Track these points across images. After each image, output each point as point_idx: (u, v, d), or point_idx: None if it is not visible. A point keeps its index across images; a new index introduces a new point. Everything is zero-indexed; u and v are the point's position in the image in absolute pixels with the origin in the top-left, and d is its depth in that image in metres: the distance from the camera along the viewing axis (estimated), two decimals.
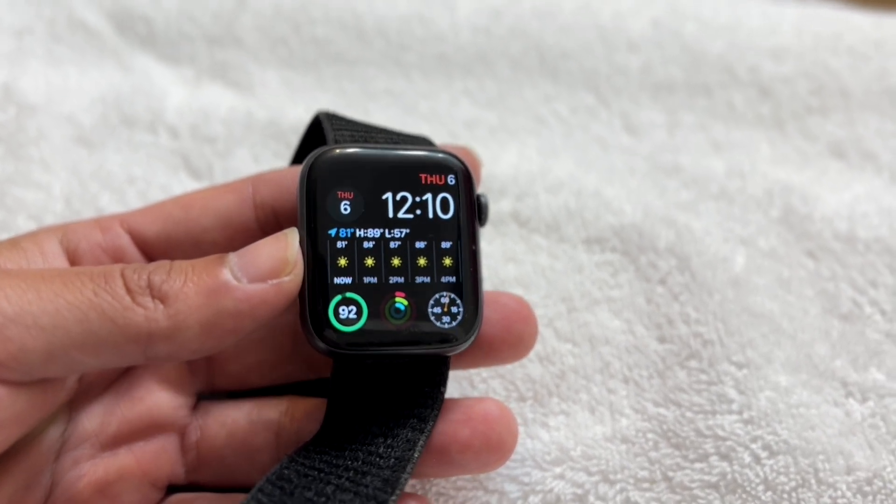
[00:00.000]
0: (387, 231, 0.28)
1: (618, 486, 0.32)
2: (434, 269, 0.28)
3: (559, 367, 0.36)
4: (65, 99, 0.44)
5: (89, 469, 0.29)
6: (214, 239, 0.30)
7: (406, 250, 0.28)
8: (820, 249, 0.39)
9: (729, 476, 0.32)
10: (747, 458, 0.32)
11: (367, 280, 0.27)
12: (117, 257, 0.30)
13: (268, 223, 0.30)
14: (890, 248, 0.39)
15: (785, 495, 0.32)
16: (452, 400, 0.29)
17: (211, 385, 0.32)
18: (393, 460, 0.27)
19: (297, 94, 0.45)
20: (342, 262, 0.27)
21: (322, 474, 0.26)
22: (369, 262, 0.27)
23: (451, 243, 0.28)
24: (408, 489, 0.28)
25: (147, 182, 0.41)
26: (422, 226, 0.28)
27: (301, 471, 0.27)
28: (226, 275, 0.25)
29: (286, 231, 0.27)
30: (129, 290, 0.24)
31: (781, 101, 0.45)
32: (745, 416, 0.33)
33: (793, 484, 0.32)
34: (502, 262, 0.39)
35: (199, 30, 0.47)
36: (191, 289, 0.24)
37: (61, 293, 0.23)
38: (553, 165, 0.42)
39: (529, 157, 0.43)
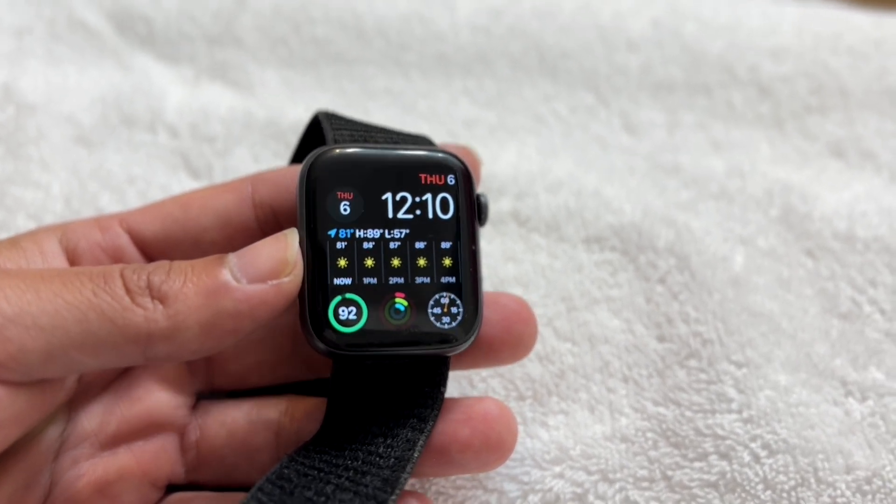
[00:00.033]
0: (386, 231, 0.28)
1: (617, 486, 0.32)
2: (434, 269, 0.28)
3: (558, 366, 0.36)
4: (64, 98, 0.44)
5: (88, 468, 0.29)
6: (213, 238, 0.30)
7: (406, 251, 0.28)
8: (819, 249, 0.39)
9: (728, 475, 0.32)
10: (747, 458, 0.32)
11: (366, 281, 0.27)
12: (116, 257, 0.30)
13: (267, 222, 0.30)
14: (889, 247, 0.39)
15: (784, 494, 0.32)
16: (452, 399, 0.29)
17: (210, 385, 0.32)
18: (393, 460, 0.27)
19: (296, 94, 0.45)
20: (342, 262, 0.27)
21: (322, 474, 0.27)
22: (369, 262, 0.27)
23: (450, 243, 0.28)
24: (407, 488, 0.28)
25: (147, 182, 0.41)
26: (421, 226, 0.28)
27: (301, 470, 0.27)
28: (225, 275, 0.25)
29: (286, 231, 0.27)
30: (128, 291, 0.24)
31: (781, 101, 0.45)
32: (745, 415, 0.33)
33: (792, 483, 0.32)
34: (502, 261, 0.39)
35: (199, 29, 0.47)
36: (190, 289, 0.24)
37: (60, 293, 0.23)
38: (552, 165, 0.42)
39: (529, 156, 0.43)
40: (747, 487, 0.32)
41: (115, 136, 0.43)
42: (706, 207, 0.41)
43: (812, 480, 0.32)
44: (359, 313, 0.27)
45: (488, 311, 0.30)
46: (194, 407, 0.31)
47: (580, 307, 0.37)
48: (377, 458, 0.27)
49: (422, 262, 0.28)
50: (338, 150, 0.28)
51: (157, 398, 0.30)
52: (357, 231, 0.27)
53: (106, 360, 0.24)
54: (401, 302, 0.27)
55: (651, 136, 0.44)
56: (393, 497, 0.25)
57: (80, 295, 0.23)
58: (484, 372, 0.35)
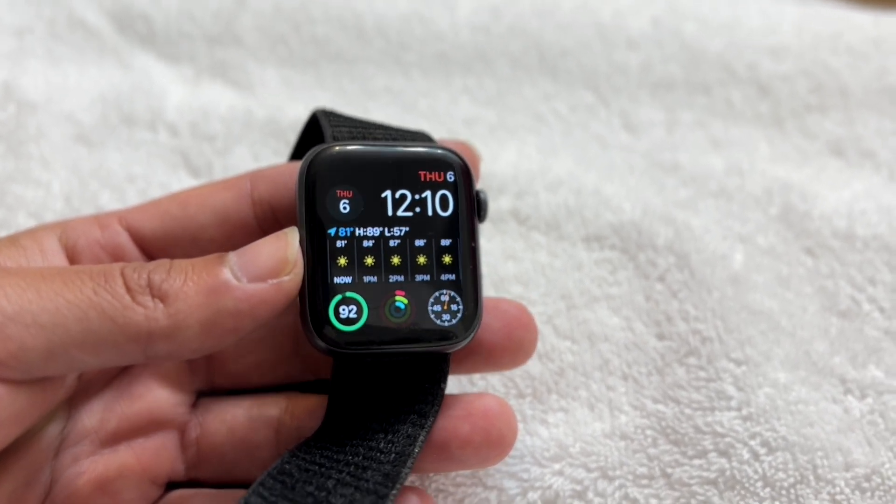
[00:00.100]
0: (386, 229, 0.28)
1: (617, 483, 0.32)
2: (434, 267, 0.28)
3: (558, 364, 0.36)
4: (65, 97, 0.44)
5: (89, 466, 0.29)
6: (212, 236, 0.30)
7: (406, 248, 0.28)
8: (819, 247, 0.39)
9: (727, 472, 0.32)
10: (746, 455, 0.32)
11: (367, 279, 0.27)
12: (116, 254, 0.30)
13: (266, 220, 0.30)
14: (888, 245, 0.39)
15: (783, 492, 0.32)
16: (452, 396, 0.29)
17: (211, 384, 0.32)
18: (393, 455, 0.27)
19: (296, 93, 0.45)
20: (342, 261, 0.27)
21: (323, 469, 0.27)
22: (369, 261, 0.27)
23: (450, 241, 0.28)
24: (407, 485, 0.28)
25: (147, 180, 0.41)
26: (421, 224, 0.28)
27: (302, 466, 0.27)
28: (226, 274, 0.25)
29: (286, 230, 0.27)
30: (128, 289, 0.24)
31: (780, 100, 0.45)
32: (744, 412, 0.33)
33: (791, 480, 0.32)
34: (502, 259, 0.39)
35: (199, 29, 0.47)
36: (191, 288, 0.24)
37: (61, 292, 0.23)
38: (552, 163, 0.42)
39: (529, 155, 0.43)
40: (746, 485, 0.32)
41: (115, 134, 0.43)
42: (705, 206, 0.41)
43: (811, 478, 0.32)
44: (359, 312, 0.27)
45: (489, 318, 0.30)
46: (194, 404, 0.31)
47: (580, 305, 0.37)
48: (378, 454, 0.27)
49: (422, 259, 0.28)
50: (337, 148, 0.28)
51: (158, 396, 0.30)
52: (357, 229, 0.27)
53: (106, 359, 0.24)
54: (401, 300, 0.27)
55: (650, 134, 0.44)
56: (394, 491, 0.25)
57: (81, 293, 0.23)
58: None
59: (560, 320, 0.37)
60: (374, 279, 0.27)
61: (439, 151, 0.29)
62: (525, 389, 0.35)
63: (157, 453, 0.30)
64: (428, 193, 0.28)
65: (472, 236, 0.29)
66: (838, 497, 0.32)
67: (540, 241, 0.39)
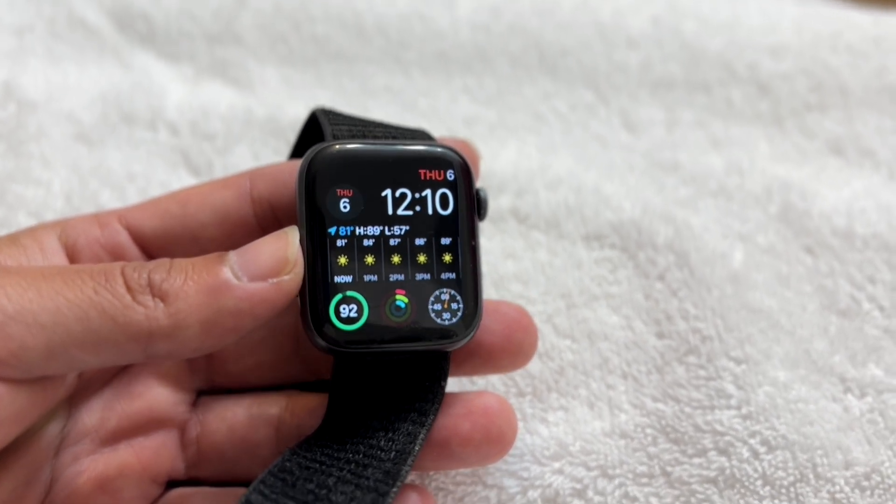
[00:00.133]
0: (386, 228, 0.28)
1: (616, 481, 0.33)
2: (434, 265, 0.28)
3: (558, 362, 0.36)
4: (65, 96, 0.44)
5: (89, 465, 0.29)
6: (212, 234, 0.30)
7: (406, 247, 0.28)
8: (818, 246, 0.39)
9: (727, 471, 0.32)
10: (746, 454, 0.32)
11: (367, 278, 0.27)
12: (115, 253, 0.30)
13: (265, 218, 0.30)
14: (888, 244, 0.39)
15: (783, 490, 0.32)
16: (452, 394, 0.29)
17: (211, 383, 0.32)
18: (394, 453, 0.27)
19: (296, 92, 0.45)
20: (342, 260, 0.27)
21: (324, 466, 0.27)
22: (369, 260, 0.27)
23: (450, 239, 0.28)
24: (407, 483, 0.28)
25: (147, 179, 0.41)
26: (421, 222, 0.28)
27: (303, 463, 0.27)
28: (226, 273, 0.25)
29: (286, 229, 0.27)
30: (129, 289, 0.24)
31: (780, 99, 0.45)
32: (744, 411, 0.33)
33: (791, 479, 0.32)
34: (501, 258, 0.39)
35: (199, 28, 0.47)
36: (191, 287, 0.24)
37: (62, 291, 0.23)
38: (552, 162, 0.42)
39: (529, 154, 0.43)
40: (746, 483, 0.32)
41: (115, 133, 0.43)
42: (705, 204, 0.41)
43: (811, 476, 0.32)
44: (359, 311, 0.27)
45: (488, 320, 0.30)
46: (195, 403, 0.31)
47: (579, 304, 0.37)
48: (378, 452, 0.27)
49: (422, 258, 0.28)
50: (337, 147, 0.28)
51: (158, 394, 0.30)
52: (357, 228, 0.27)
53: (107, 358, 0.24)
54: (401, 299, 0.27)
55: (650, 133, 0.44)
56: (394, 489, 0.25)
57: (81, 293, 0.24)
58: None
59: (560, 319, 0.37)
60: (374, 278, 0.27)
61: (439, 150, 0.29)
62: (525, 388, 0.35)
63: (158, 452, 0.30)
64: (428, 192, 0.28)
65: (473, 235, 0.29)
66: (838, 495, 0.32)
67: (540, 240, 0.39)
